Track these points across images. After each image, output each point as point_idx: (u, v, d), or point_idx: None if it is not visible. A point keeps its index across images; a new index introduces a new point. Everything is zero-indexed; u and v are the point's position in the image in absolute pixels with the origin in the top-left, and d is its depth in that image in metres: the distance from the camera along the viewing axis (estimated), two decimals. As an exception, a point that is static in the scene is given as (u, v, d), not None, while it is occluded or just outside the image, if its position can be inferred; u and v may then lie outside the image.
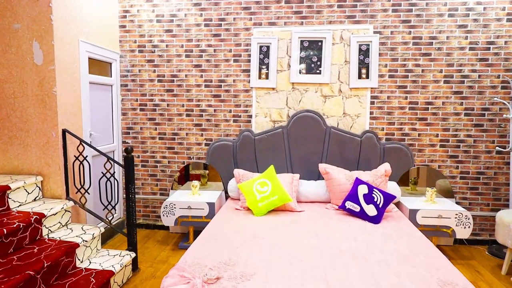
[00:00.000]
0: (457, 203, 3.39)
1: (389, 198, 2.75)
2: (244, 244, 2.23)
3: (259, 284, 1.71)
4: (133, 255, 2.76)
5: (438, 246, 3.35)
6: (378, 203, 2.72)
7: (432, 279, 1.77)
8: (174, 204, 3.21)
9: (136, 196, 3.75)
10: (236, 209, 3.03)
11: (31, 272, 2.00)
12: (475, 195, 3.37)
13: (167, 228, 3.79)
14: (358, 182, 2.89)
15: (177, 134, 3.70)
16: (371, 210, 2.70)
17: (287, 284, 1.71)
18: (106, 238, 3.41)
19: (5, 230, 2.14)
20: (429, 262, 1.97)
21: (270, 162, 3.44)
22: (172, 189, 3.70)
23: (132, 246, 2.84)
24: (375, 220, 2.67)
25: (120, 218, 3.79)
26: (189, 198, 3.29)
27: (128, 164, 2.76)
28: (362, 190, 2.81)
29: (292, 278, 1.78)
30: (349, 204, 2.81)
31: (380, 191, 2.78)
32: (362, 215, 2.73)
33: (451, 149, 3.36)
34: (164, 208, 3.22)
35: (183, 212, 3.21)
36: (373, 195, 2.76)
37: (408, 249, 2.16)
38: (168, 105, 3.68)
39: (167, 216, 3.23)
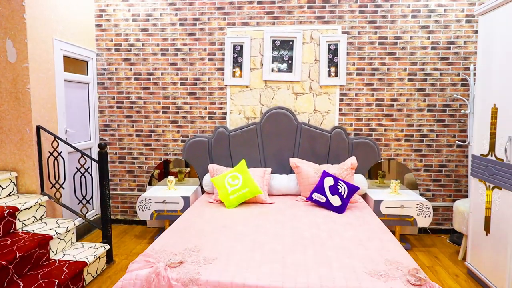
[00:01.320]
0: (421, 194, 3.57)
1: (353, 189, 2.90)
2: (212, 233, 2.34)
3: (219, 267, 1.82)
4: (108, 247, 2.84)
5: (403, 235, 3.53)
6: (342, 194, 2.87)
7: (380, 259, 1.91)
8: (150, 199, 3.30)
9: (113, 192, 3.84)
10: (210, 202, 3.14)
11: (3, 262, 2.07)
12: (438, 187, 3.56)
13: (144, 223, 3.87)
14: (325, 174, 3.03)
15: (154, 131, 3.78)
16: (336, 201, 2.85)
17: (245, 266, 1.83)
18: (83, 233, 3.48)
19: (-23, 222, 2.20)
20: (382, 246, 2.12)
21: (244, 157, 3.56)
22: (149, 185, 3.79)
23: (106, 239, 2.91)
24: (340, 210, 2.82)
25: (98, 214, 3.84)
26: (165, 193, 3.38)
27: (102, 159, 2.84)
28: (328, 182, 2.96)
29: (251, 261, 1.89)
30: (316, 196, 2.95)
31: (345, 182, 2.93)
32: (327, 205, 2.88)
33: (415, 144, 3.54)
34: (140, 202, 3.30)
35: (158, 206, 3.30)
36: (338, 186, 2.91)
37: (365, 236, 2.30)
38: (144, 102, 3.76)
39: (142, 210, 3.31)
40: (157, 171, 3.94)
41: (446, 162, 3.52)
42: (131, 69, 3.74)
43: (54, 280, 2.23)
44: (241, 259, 1.93)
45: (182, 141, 3.76)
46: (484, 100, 2.50)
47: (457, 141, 3.44)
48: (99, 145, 2.82)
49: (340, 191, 2.88)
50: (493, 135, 2.38)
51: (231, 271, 1.78)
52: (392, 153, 3.58)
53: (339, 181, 2.95)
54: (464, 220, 2.89)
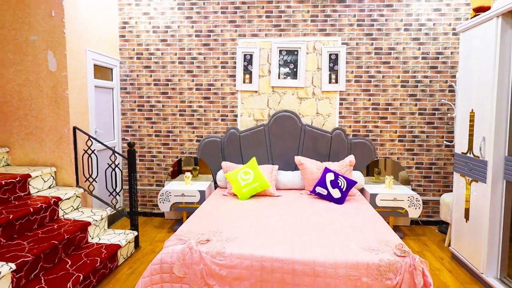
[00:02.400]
0: (413, 189, 3.96)
1: (351, 183, 3.29)
2: (229, 220, 2.72)
3: (239, 244, 2.21)
4: (136, 233, 3.23)
5: (396, 226, 3.92)
6: (342, 187, 3.26)
7: (373, 240, 2.30)
8: (170, 192, 3.69)
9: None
10: (224, 195, 3.53)
11: (55, 242, 2.46)
12: (428, 183, 3.95)
13: (162, 215, 4.26)
14: (326, 170, 3.42)
15: (171, 132, 4.17)
16: (336, 193, 3.24)
17: (261, 245, 2.21)
18: (109, 223, 3.86)
19: (31, 209, 2.59)
20: (375, 230, 2.50)
21: (253, 156, 3.94)
22: (167, 180, 4.18)
23: (134, 226, 3.31)
24: (339, 201, 3.21)
25: (120, 207, 4.23)
26: (183, 187, 3.77)
27: (131, 156, 3.23)
28: (329, 177, 3.35)
29: (265, 242, 2.28)
30: (318, 189, 3.35)
31: (344, 177, 3.32)
32: (329, 197, 3.26)
33: (408, 143, 3.93)
34: (160, 195, 3.69)
35: (177, 199, 3.69)
36: (338, 181, 3.30)
37: (362, 223, 2.69)
38: (163, 106, 4.15)
39: (163, 202, 3.70)
40: (170, 169, 4.34)
41: (435, 160, 3.91)
42: (151, 76, 4.13)
43: (96, 258, 2.62)
44: (257, 240, 2.31)
45: (197, 140, 4.15)
46: (464, 105, 2.90)
47: (445, 141, 3.83)
48: (128, 144, 3.22)
49: (340, 185, 3.27)
50: (471, 136, 2.77)
51: (250, 247, 2.17)
52: (386, 152, 3.97)
53: (339, 176, 3.34)
54: (449, 211, 3.28)
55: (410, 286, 1.96)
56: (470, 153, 2.78)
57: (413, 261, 1.99)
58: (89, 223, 2.89)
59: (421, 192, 3.96)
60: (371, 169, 4.06)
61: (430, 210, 3.98)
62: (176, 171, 4.52)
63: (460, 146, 2.95)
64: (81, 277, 2.36)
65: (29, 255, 2.22)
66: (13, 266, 2.08)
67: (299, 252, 2.10)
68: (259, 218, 2.76)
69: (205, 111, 4.12)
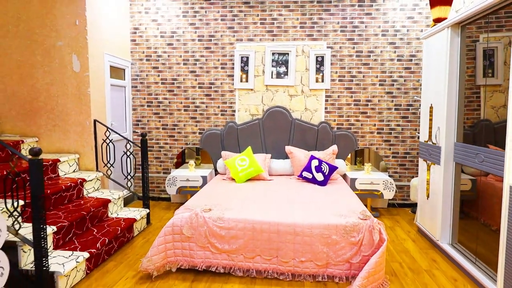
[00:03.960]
0: (390, 176, 4.50)
1: (332, 168, 3.82)
2: (227, 196, 3.26)
3: (236, 212, 2.74)
4: (148, 210, 3.77)
5: (375, 208, 4.45)
6: (324, 171, 3.79)
7: (344, 209, 2.83)
8: (176, 177, 4.23)
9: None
10: (223, 179, 4.06)
11: (84, 213, 2.99)
12: (403, 170, 4.48)
13: (168, 199, 4.80)
14: (312, 158, 3.96)
15: (177, 125, 4.70)
16: (319, 177, 3.77)
17: (253, 212, 2.74)
18: (126, 203, 4.39)
19: (63, 186, 3.13)
20: (348, 203, 3.03)
21: (250, 146, 4.47)
22: (173, 168, 4.72)
23: (146, 205, 3.84)
24: (322, 183, 3.74)
25: (130, 193, 4.76)
26: (187, 173, 4.30)
27: (143, 145, 3.76)
28: (314, 163, 3.88)
29: (256, 211, 2.81)
30: (305, 174, 3.88)
31: (327, 163, 3.85)
32: (313, 180, 3.80)
33: (385, 135, 4.46)
34: (168, 180, 4.23)
35: (182, 183, 4.23)
36: (322, 166, 3.83)
37: (338, 198, 3.22)
38: (169, 102, 4.68)
39: (170, 186, 4.24)
40: (175, 160, 4.87)
41: (409, 150, 4.45)
42: (159, 75, 4.66)
43: (117, 227, 3.16)
44: (250, 209, 2.85)
45: (200, 133, 4.68)
46: (426, 101, 3.43)
47: (417, 133, 4.36)
48: (141, 134, 3.75)
49: (323, 169, 3.81)
50: (430, 127, 3.30)
51: (244, 213, 2.71)
52: (367, 143, 4.50)
53: (323, 162, 3.87)
54: (417, 192, 3.81)
55: (369, 241, 2.50)
56: (430, 141, 3.32)
57: (372, 222, 2.53)
58: (109, 200, 3.42)
59: (397, 178, 4.50)
60: (359, 158, 4.60)
61: (405, 194, 4.51)
62: (180, 162, 5.06)
63: (423, 135, 3.48)
64: (107, 240, 2.90)
65: (65, 221, 2.76)
66: (54, 228, 2.62)
67: (283, 217, 2.64)
68: (253, 195, 3.29)
69: (206, 106, 4.64)
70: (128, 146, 3.85)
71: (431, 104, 3.30)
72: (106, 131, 3.82)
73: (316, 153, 4.13)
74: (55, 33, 3.68)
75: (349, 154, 4.68)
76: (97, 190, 3.72)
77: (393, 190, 4.01)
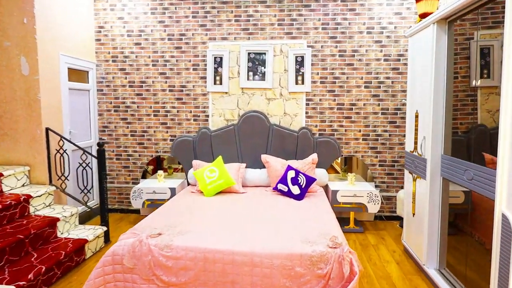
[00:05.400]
0: (376, 186, 4.13)
1: (310, 180, 3.45)
2: (188, 214, 2.89)
3: (188, 237, 2.38)
4: (105, 228, 3.41)
5: (360, 221, 4.09)
6: (301, 184, 3.42)
7: (315, 232, 2.46)
8: (142, 190, 3.87)
9: (111, 185, 4.40)
10: (192, 192, 3.70)
11: (21, 236, 2.64)
12: (391, 179, 4.11)
13: (138, 212, 4.44)
14: (288, 168, 3.59)
15: (146, 132, 4.34)
16: (295, 190, 3.40)
17: (207, 238, 2.38)
18: (86, 219, 4.04)
19: (0, 206, 2.77)
20: (322, 224, 2.67)
21: (224, 154, 4.11)
22: (142, 178, 4.36)
23: (104, 222, 3.48)
24: (299, 197, 3.37)
25: (97, 204, 4.41)
26: (155, 185, 3.94)
27: (100, 155, 3.40)
28: (291, 174, 3.51)
29: (215, 233, 2.45)
30: (280, 186, 3.51)
31: (304, 175, 3.49)
32: (289, 194, 3.43)
33: (371, 142, 4.09)
34: (133, 193, 3.87)
35: (149, 196, 3.87)
36: (298, 178, 3.46)
37: (312, 216, 2.85)
38: (138, 107, 4.32)
39: (135, 199, 3.88)
40: (151, 167, 4.52)
41: (398, 158, 4.07)
42: (126, 78, 4.30)
43: (61, 251, 2.80)
44: (208, 231, 2.48)
45: (171, 140, 4.32)
46: (411, 106, 3.06)
47: (405, 140, 3.98)
48: (98, 144, 3.39)
49: (299, 182, 3.44)
50: (416, 135, 2.93)
51: (197, 239, 2.34)
52: (351, 150, 4.13)
53: (300, 173, 3.50)
54: (403, 206, 3.44)
55: (338, 274, 2.13)
56: (415, 152, 2.94)
57: (342, 252, 2.16)
58: (57, 219, 3.06)
59: (385, 188, 4.13)
60: (344, 167, 4.23)
61: (393, 206, 4.14)
62: (156, 169, 4.69)
63: (409, 144, 3.11)
64: (43, 269, 2.54)
65: (-6, 248, 2.40)
66: (-23, 257, 2.26)
67: (240, 244, 2.27)
68: (217, 213, 2.93)
69: (178, 111, 4.28)
70: (84, 156, 3.49)
71: (417, 111, 2.92)
72: (59, 140, 3.46)
73: (294, 163, 3.76)
74: (1, 32, 3.32)
75: (334, 162, 4.31)
76: (49, 207, 3.36)
77: (378, 203, 3.64)
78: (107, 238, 3.48)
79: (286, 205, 3.18)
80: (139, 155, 4.39)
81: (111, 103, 4.36)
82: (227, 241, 2.31)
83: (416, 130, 2.92)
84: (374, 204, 3.65)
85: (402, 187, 4.10)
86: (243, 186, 3.88)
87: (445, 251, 2.70)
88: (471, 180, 2.17)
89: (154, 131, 4.34)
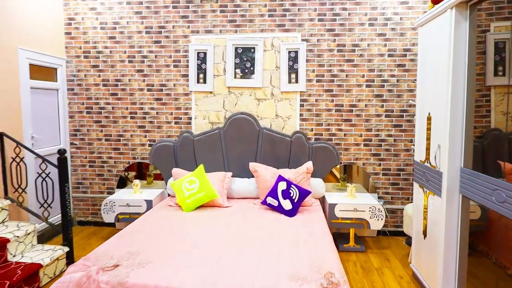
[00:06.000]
0: (380, 197, 3.67)
1: (303, 193, 3.00)
2: (158, 236, 2.44)
3: (150, 270, 1.93)
4: (67, 249, 2.95)
5: (361, 237, 3.63)
6: (293, 198, 2.97)
7: (306, 262, 2.01)
8: (114, 202, 3.41)
9: (84, 195, 3.95)
10: (170, 205, 3.24)
11: (-47, 265, 2.18)
12: (396, 190, 3.66)
13: (113, 224, 3.98)
14: (279, 179, 3.13)
15: (122, 136, 3.89)
16: (287, 205, 2.95)
17: (176, 270, 1.93)
18: (50, 236, 3.58)
19: None
20: (314, 249, 2.22)
21: (208, 162, 3.66)
22: (117, 188, 3.90)
23: (67, 241, 3.02)
24: (290, 213, 2.92)
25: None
26: (129, 196, 3.49)
27: (62, 164, 2.95)
28: (281, 186, 3.06)
29: (185, 264, 2.00)
30: (269, 200, 3.06)
31: (297, 187, 3.03)
32: (279, 209, 2.98)
33: (374, 148, 3.63)
34: (104, 206, 3.41)
35: (122, 209, 3.41)
36: (290, 191, 3.01)
37: (304, 238, 2.40)
38: (113, 108, 3.87)
39: (107, 213, 3.43)
40: (132, 173, 4.05)
41: (404, 166, 3.62)
42: (99, 76, 3.85)
43: (5, 281, 2.34)
44: (176, 262, 2.03)
45: (150, 145, 3.87)
46: (422, 108, 2.60)
47: (412, 146, 3.52)
48: (59, 151, 2.93)
49: (291, 195, 2.98)
50: (428, 143, 2.47)
51: (160, 274, 1.89)
52: (351, 157, 3.67)
53: (292, 185, 3.05)
54: (411, 223, 2.98)
55: (334, 323, 1.68)
56: (427, 162, 2.49)
57: (339, 295, 1.70)
58: (7, 240, 2.61)
59: (389, 200, 3.67)
60: (342, 176, 3.78)
61: (398, 220, 3.68)
62: (138, 176, 4.22)
63: (419, 153, 2.65)
64: (-24, 307, 2.09)
65: None
66: None
67: (213, 282, 1.82)
68: (194, 233, 2.48)
69: (157, 113, 3.83)
70: (44, 165, 3.04)
71: (429, 113, 2.47)
72: (16, 147, 3.00)
73: (285, 172, 3.30)
74: None
75: (334, 170, 3.86)
76: (2, 224, 2.90)
77: (382, 219, 3.18)
78: (70, 259, 3.03)
79: (275, 224, 2.72)
80: (115, 162, 3.93)
81: (83, 103, 3.90)
82: (196, 277, 1.85)
83: (428, 136, 2.46)
84: (378, 219, 3.19)
85: (408, 199, 3.64)
86: (228, 198, 3.43)
87: (464, 281, 2.25)
88: (503, 203, 1.72)
89: (131, 135, 3.88)
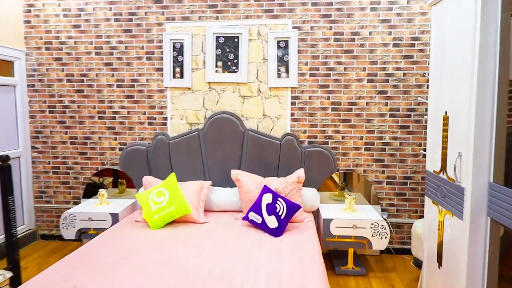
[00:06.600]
0: (383, 210, 3.18)
1: (292, 207, 2.51)
2: (108, 265, 1.97)
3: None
4: (8, 274, 2.48)
5: (362, 256, 3.14)
6: (280, 214, 2.48)
7: (287, 310, 1.53)
8: (74, 216, 2.94)
9: (48, 205, 3.50)
10: (137, 221, 2.77)
11: None
12: (403, 201, 3.16)
13: (79, 239, 3.51)
14: (264, 190, 2.65)
15: (89, 138, 3.42)
16: (272, 222, 2.46)
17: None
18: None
19: None
20: (301, 285, 1.74)
21: (186, 168, 3.19)
22: (84, 197, 3.43)
23: (14, 263, 2.55)
24: (276, 232, 2.43)
25: (30, 229, 3.50)
26: (93, 209, 3.02)
27: (4, 174, 2.47)
28: (266, 199, 2.57)
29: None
30: (252, 215, 2.57)
31: (285, 200, 2.55)
32: (263, 227, 2.49)
33: (377, 153, 3.14)
34: (63, 220, 2.95)
35: (84, 224, 2.95)
36: (277, 205, 2.52)
37: (289, 269, 1.92)
38: (78, 106, 3.39)
39: (67, 228, 2.96)
40: (109, 179, 3.56)
41: (411, 174, 3.12)
42: (63, 70, 3.38)
43: None
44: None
45: (120, 149, 3.39)
46: (435, 105, 2.11)
47: (422, 151, 3.03)
48: (0, 158, 2.46)
49: (277, 210, 2.50)
50: (444, 149, 1.98)
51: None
52: (350, 163, 3.18)
53: (279, 198, 2.56)
54: (420, 246, 2.49)
55: None
56: (443, 173, 2.00)
57: None
58: None
59: (394, 213, 3.18)
60: (341, 184, 3.28)
61: (405, 236, 3.19)
62: (115, 183, 3.71)
63: (432, 161, 2.16)
64: None
65: None
66: None
67: None
68: (153, 260, 2.01)
69: (128, 112, 3.35)
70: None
71: (446, 112, 1.97)
72: (-49, 153, 2.53)
73: (273, 182, 2.82)
74: None
75: (332, 175, 3.37)
76: None
77: (386, 237, 2.69)
78: (17, 283, 2.55)
79: (256, 248, 2.24)
80: (81, 168, 3.46)
81: (45, 102, 3.43)
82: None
83: (445, 140, 1.97)
84: (381, 238, 2.70)
85: (416, 212, 3.15)
86: (207, 211, 2.95)
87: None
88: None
89: (99, 138, 3.41)
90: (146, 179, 3.01)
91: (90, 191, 3.45)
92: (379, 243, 2.71)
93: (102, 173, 3.46)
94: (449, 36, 1.95)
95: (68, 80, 3.38)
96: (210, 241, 2.32)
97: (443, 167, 1.99)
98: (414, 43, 3.02)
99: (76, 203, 3.50)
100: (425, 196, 2.25)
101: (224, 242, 2.31)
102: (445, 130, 1.97)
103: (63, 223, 2.95)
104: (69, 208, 3.43)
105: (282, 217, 2.47)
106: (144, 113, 3.33)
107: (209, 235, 2.45)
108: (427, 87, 3.03)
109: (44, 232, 3.57)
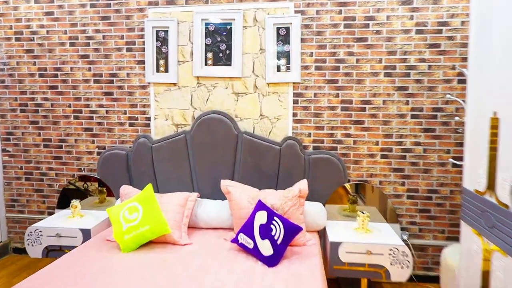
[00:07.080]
0: (402, 229, 2.67)
1: (291, 231, 2.04)
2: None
3: None
4: (-50, 306, 2.09)
5: (377, 283, 2.64)
6: (276, 238, 2.01)
7: None
8: (41, 231, 2.54)
9: (21, 215, 3.14)
10: (108, 240, 2.34)
11: None
12: (427, 219, 2.64)
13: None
14: (258, 207, 2.18)
15: (65, 141, 3.01)
16: (266, 248, 1.99)
17: None
18: (-36, 272, 2.75)
19: None
20: None
21: (171, 177, 2.76)
22: (58, 207, 3.03)
23: (-40, 291, 2.16)
24: (271, 262, 1.96)
25: (1, 241, 3.13)
26: (63, 223, 2.61)
27: None
28: (260, 218, 2.11)
29: None
30: (242, 238, 2.11)
31: (282, 220, 2.07)
32: (256, 253, 2.02)
33: (395, 161, 2.63)
34: (28, 235, 2.55)
35: (52, 241, 2.54)
36: (272, 226, 2.05)
37: (282, 320, 1.45)
38: (52, 105, 3.00)
39: (32, 245, 2.56)
40: (94, 185, 3.15)
41: (437, 187, 2.61)
42: (35, 63, 2.98)
43: None
44: None
45: (98, 153, 2.98)
46: (478, 105, 1.60)
47: (450, 159, 2.51)
48: None
49: (273, 233, 2.03)
50: (493, 162, 1.47)
51: None
52: (364, 173, 2.68)
53: (275, 217, 2.09)
54: (455, 280, 1.98)
55: None
56: (491, 195, 1.49)
57: None
58: None
59: (416, 233, 2.66)
60: (352, 197, 2.78)
61: (429, 260, 2.67)
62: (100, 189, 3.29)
63: (472, 177, 1.65)
64: None
65: None
66: None
67: None
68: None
69: (107, 112, 2.93)
70: None
71: (495, 113, 1.47)
72: None
73: (269, 196, 2.34)
74: None
75: (341, 187, 2.87)
76: None
77: (408, 267, 2.19)
78: (-35, 316, 2.16)
79: (245, 281, 1.77)
80: (56, 175, 3.07)
81: (16, 99, 3.05)
82: None
83: (493, 151, 1.47)
84: (402, 267, 2.20)
85: (443, 232, 2.63)
86: (193, 228, 2.51)
87: None
88: None
89: (76, 141, 3.00)
90: (124, 189, 2.58)
91: (70, 199, 3.04)
92: (400, 274, 2.20)
93: (88, 177, 3.05)
94: (499, 13, 1.44)
95: (41, 75, 2.98)
96: (187, 273, 1.87)
97: (491, 187, 1.48)
98: (442, 29, 2.50)
99: (50, 214, 3.11)
100: (461, 221, 1.75)
101: (205, 274, 1.85)
102: (494, 135, 1.47)
103: (28, 239, 2.55)
104: (42, 219, 3.04)
105: (279, 242, 2.00)
106: (125, 113, 2.91)
107: (189, 262, 1.99)
108: (459, 81, 2.50)
109: (17, 245, 3.20)
